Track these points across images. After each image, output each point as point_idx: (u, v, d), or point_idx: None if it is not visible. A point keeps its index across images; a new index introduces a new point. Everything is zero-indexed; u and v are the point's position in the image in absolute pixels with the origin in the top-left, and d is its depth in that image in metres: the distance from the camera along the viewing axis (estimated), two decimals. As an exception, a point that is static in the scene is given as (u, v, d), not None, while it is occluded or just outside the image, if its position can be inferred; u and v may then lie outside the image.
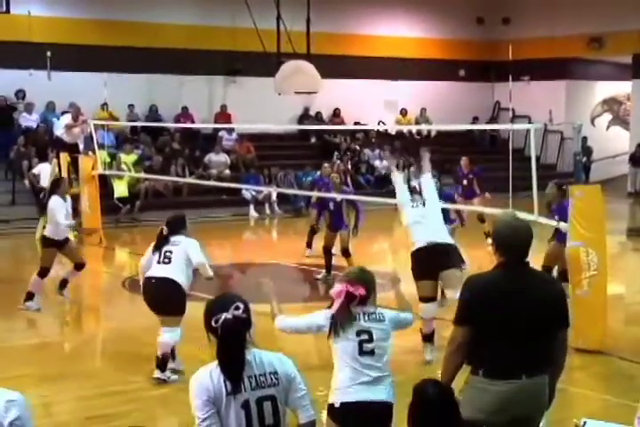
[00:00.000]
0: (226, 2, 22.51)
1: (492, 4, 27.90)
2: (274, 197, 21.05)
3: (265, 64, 21.37)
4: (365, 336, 4.93)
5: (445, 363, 4.63)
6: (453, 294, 7.24)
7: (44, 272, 11.08)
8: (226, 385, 3.69)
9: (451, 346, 4.58)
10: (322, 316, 5.08)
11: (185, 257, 8.08)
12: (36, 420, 7.05)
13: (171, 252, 8.10)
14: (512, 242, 4.53)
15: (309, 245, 14.98)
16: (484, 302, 4.49)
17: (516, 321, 4.46)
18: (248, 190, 20.57)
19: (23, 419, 3.38)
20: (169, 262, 8.05)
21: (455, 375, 4.61)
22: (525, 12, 27.07)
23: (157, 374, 8.04)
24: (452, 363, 4.59)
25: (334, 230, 13.02)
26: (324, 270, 13.06)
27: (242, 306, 3.76)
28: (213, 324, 3.72)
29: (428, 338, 8.56)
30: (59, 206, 10.99)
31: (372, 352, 4.92)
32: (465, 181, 16.36)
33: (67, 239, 11.25)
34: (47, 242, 11.09)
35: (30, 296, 11.05)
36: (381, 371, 4.94)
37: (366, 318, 4.98)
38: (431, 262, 8.27)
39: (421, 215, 8.46)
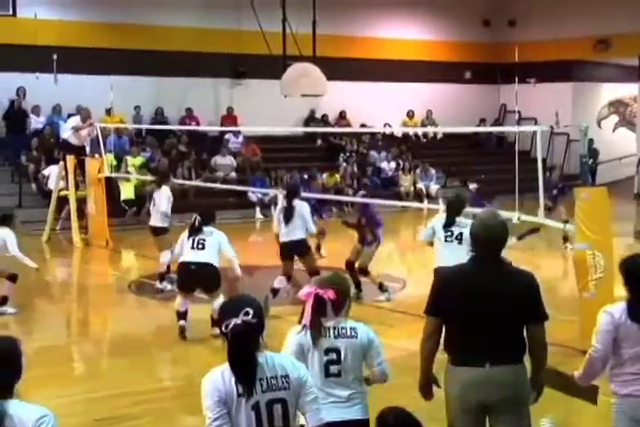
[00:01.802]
0: (232, 4, 22.55)
1: (497, 7, 27.90)
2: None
3: (271, 66, 21.39)
4: (333, 356, 4.58)
5: (420, 350, 4.84)
6: None
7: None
8: (237, 387, 3.72)
9: (423, 333, 4.81)
10: (289, 348, 4.58)
11: (217, 246, 9.60)
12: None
13: (204, 240, 9.55)
14: (485, 238, 4.75)
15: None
16: (451, 293, 4.72)
17: (481, 312, 4.64)
18: (254, 193, 20.58)
19: None
20: (203, 248, 9.51)
21: (431, 361, 4.82)
22: (531, 14, 27.05)
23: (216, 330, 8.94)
24: (425, 350, 4.81)
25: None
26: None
27: (251, 311, 3.75)
28: (224, 329, 3.74)
29: None
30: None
31: (338, 374, 4.60)
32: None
33: None
34: None
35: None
36: (351, 389, 4.65)
37: (336, 333, 4.62)
38: None
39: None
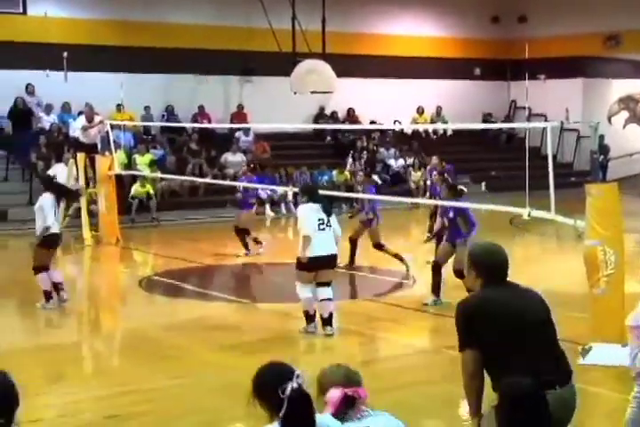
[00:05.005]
0: (241, 2, 22.54)
1: (507, 3, 27.82)
2: (290, 196, 21.05)
3: (280, 64, 21.37)
4: None
5: (466, 391, 4.55)
6: None
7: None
8: None
9: (465, 374, 4.52)
10: None
11: None
12: (56, 419, 7.08)
13: None
14: (494, 264, 4.57)
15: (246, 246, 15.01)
16: (482, 322, 4.46)
17: (519, 332, 4.42)
18: (264, 190, 20.57)
19: None
20: None
21: (481, 400, 4.51)
22: (541, 10, 26.98)
23: None
24: (473, 390, 4.51)
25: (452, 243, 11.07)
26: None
27: (301, 374, 3.56)
28: (281, 395, 3.49)
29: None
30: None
31: None
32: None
33: None
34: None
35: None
36: None
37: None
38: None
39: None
